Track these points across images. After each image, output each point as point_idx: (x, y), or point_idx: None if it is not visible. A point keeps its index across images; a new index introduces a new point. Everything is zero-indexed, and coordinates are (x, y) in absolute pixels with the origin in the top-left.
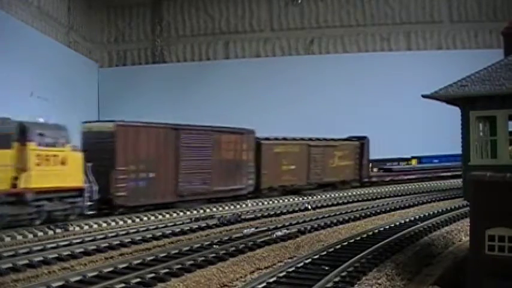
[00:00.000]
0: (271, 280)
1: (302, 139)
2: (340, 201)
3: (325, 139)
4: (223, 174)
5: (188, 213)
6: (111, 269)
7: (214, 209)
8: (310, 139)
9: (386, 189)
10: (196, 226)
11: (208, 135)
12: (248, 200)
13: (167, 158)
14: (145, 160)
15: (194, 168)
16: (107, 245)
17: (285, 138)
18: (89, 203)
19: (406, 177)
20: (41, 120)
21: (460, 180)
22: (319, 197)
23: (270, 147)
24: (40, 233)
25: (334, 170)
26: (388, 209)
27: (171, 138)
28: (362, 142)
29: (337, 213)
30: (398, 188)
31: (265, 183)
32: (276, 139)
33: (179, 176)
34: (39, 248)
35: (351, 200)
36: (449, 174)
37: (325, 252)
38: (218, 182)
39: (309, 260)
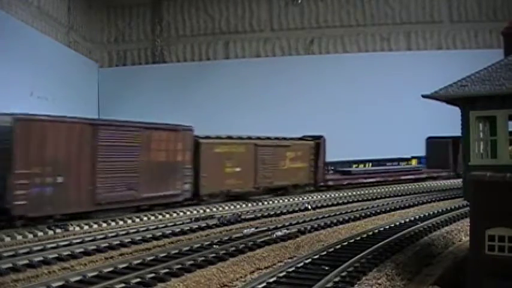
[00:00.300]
0: (271, 280)
1: (249, 138)
2: (340, 201)
3: (277, 138)
4: (154, 179)
5: (188, 213)
6: (111, 269)
7: (214, 209)
8: (259, 138)
9: (355, 193)
10: (196, 226)
11: (134, 133)
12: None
13: (81, 159)
14: (53, 162)
15: (116, 172)
16: (106, 245)
17: (230, 137)
18: None
19: (365, 180)
20: None
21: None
22: (319, 197)
23: (210, 147)
24: (40, 233)
25: (286, 173)
26: (388, 209)
27: (86, 135)
28: (317, 142)
29: (337, 213)
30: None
31: (205, 188)
32: (219, 138)
33: (96, 180)
34: (39, 248)
35: (350, 200)
36: (412, 177)
37: (325, 252)
38: (147, 187)
39: (309, 260)
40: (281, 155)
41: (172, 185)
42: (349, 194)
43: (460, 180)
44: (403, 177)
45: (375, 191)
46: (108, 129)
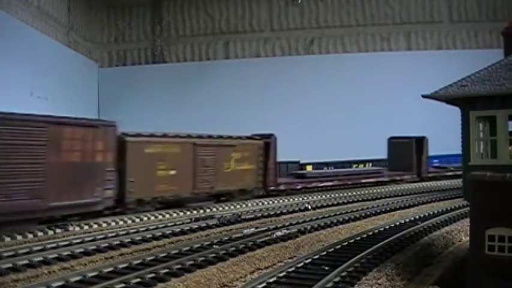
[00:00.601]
0: (271, 280)
1: (189, 136)
2: (340, 201)
3: (220, 137)
4: (66, 184)
5: (188, 213)
6: (111, 269)
7: (214, 209)
8: (201, 136)
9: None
10: (196, 226)
11: (40, 129)
12: (249, 200)
13: None
14: None
15: (15, 176)
16: (106, 245)
17: (165, 135)
18: None
19: (321, 184)
20: None
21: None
22: (319, 197)
23: (139, 147)
24: (40, 233)
25: (230, 177)
26: (388, 209)
27: None
28: (267, 141)
29: (337, 213)
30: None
31: (132, 195)
32: (152, 135)
33: None
34: (39, 248)
35: (350, 200)
36: (373, 180)
37: (325, 252)
38: (57, 194)
39: (309, 260)
40: (225, 155)
41: (89, 191)
42: (349, 194)
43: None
44: (363, 181)
45: (374, 191)
46: (5, 125)
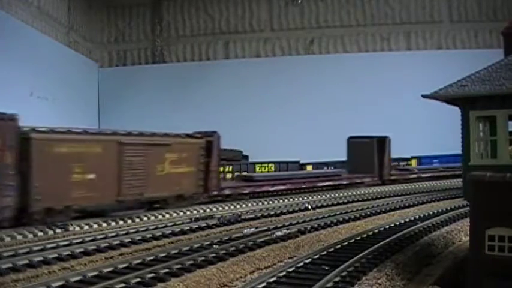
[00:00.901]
0: (271, 280)
1: (114, 133)
2: (340, 201)
3: (154, 134)
4: None
5: (188, 213)
6: (111, 269)
7: (214, 209)
8: (128, 133)
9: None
10: (196, 226)
11: None
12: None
13: None
14: None
15: None
16: (106, 245)
17: (85, 131)
18: None
19: (272, 188)
20: None
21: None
22: (319, 197)
23: (48, 145)
24: (40, 233)
25: (164, 181)
26: (388, 208)
27: None
28: (209, 140)
29: (337, 213)
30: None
31: (39, 203)
32: (69, 131)
33: None
34: (39, 248)
35: (350, 200)
36: (330, 183)
37: (325, 252)
38: None
39: (309, 260)
40: (157, 156)
41: None
42: (349, 193)
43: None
44: (320, 184)
45: (374, 190)
46: None
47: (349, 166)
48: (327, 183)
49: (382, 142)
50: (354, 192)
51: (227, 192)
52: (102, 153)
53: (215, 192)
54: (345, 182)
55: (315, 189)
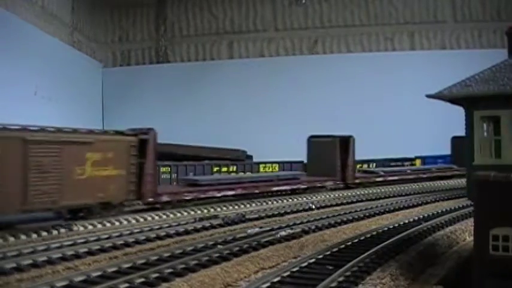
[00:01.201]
0: (275, 280)
1: (20, 129)
2: (344, 201)
3: (75, 130)
4: None
5: (192, 213)
6: (115, 268)
7: (219, 209)
8: (42, 129)
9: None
10: (201, 226)
11: None
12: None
13: None
14: None
15: None
16: (111, 244)
17: None
18: None
19: (219, 194)
20: None
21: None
22: (323, 196)
23: None
24: (44, 233)
25: (86, 186)
26: (391, 208)
27: None
28: (143, 138)
29: (341, 213)
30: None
31: None
32: None
33: None
34: (43, 247)
35: (354, 200)
36: (287, 188)
37: (329, 252)
38: None
39: (313, 259)
40: (76, 157)
41: None
42: (352, 193)
43: (350, 193)
44: (274, 189)
45: (378, 190)
46: None
47: (309, 168)
48: (283, 188)
49: (346, 142)
50: (358, 192)
51: (165, 198)
52: (1, 154)
53: (151, 199)
54: (303, 186)
55: (269, 194)
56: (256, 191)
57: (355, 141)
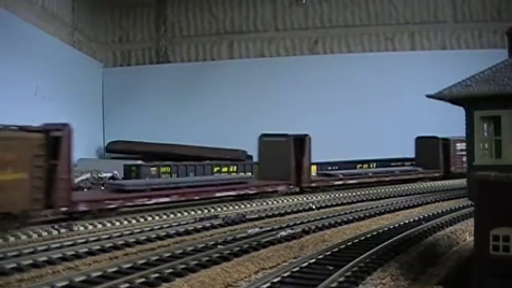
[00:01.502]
0: (275, 280)
1: None
2: (345, 201)
3: None
4: None
5: (192, 213)
6: (115, 268)
7: (219, 209)
8: None
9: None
10: (201, 226)
11: None
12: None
13: None
14: None
15: None
16: (111, 244)
17: None
18: None
19: (150, 201)
20: None
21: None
22: (323, 196)
23: None
24: (44, 233)
25: None
26: (392, 209)
27: None
28: (55, 135)
29: (342, 213)
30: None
31: None
32: None
33: None
34: (43, 248)
35: (355, 200)
36: (233, 194)
37: (329, 252)
38: None
39: (314, 259)
40: None
41: None
42: (353, 194)
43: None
44: (218, 194)
45: (379, 191)
46: None
47: (260, 171)
48: (228, 193)
49: (301, 141)
50: (359, 192)
51: (82, 207)
52: None
53: (64, 209)
54: (252, 192)
55: (212, 201)
56: (196, 197)
57: (311, 140)
